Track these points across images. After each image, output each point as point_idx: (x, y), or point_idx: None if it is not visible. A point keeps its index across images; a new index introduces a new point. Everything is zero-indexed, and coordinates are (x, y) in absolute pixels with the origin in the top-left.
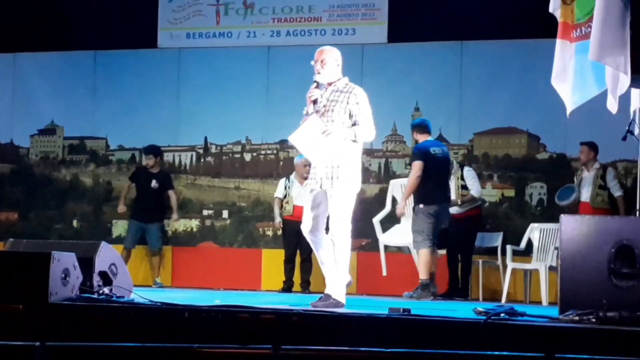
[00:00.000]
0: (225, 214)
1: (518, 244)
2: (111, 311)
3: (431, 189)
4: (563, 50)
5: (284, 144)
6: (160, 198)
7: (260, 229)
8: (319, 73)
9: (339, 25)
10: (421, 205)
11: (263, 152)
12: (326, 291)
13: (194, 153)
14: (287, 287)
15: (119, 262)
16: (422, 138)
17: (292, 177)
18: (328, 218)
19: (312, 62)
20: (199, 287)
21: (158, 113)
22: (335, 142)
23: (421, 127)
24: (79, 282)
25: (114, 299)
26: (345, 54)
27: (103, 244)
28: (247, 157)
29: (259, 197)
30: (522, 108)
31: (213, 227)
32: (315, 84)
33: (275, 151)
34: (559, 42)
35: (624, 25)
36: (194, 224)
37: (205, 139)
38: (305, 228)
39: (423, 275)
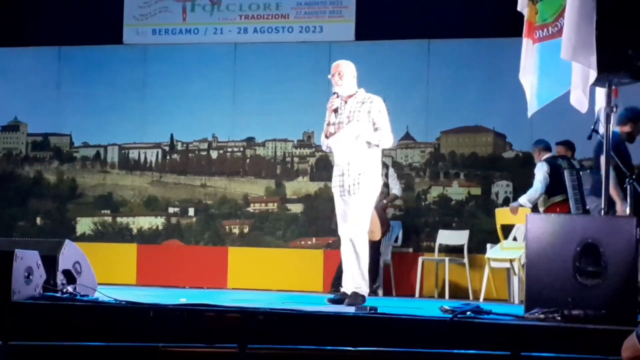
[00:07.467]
0: (191, 211)
1: (484, 242)
2: (75, 310)
3: None
4: (527, 49)
5: (250, 142)
6: None
7: (227, 227)
8: (337, 85)
9: (306, 22)
10: None
11: (230, 149)
12: (353, 289)
13: (159, 150)
14: None
15: (83, 260)
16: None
17: None
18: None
19: (329, 76)
20: (165, 286)
21: (123, 110)
22: (361, 148)
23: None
24: (43, 281)
25: (78, 297)
26: (313, 52)
27: (67, 242)
28: (214, 154)
29: (225, 194)
30: (489, 107)
31: (179, 224)
32: (335, 95)
33: (242, 149)
34: (524, 40)
35: (594, 24)
36: (159, 221)
37: (172, 136)
38: (344, 232)
39: None
